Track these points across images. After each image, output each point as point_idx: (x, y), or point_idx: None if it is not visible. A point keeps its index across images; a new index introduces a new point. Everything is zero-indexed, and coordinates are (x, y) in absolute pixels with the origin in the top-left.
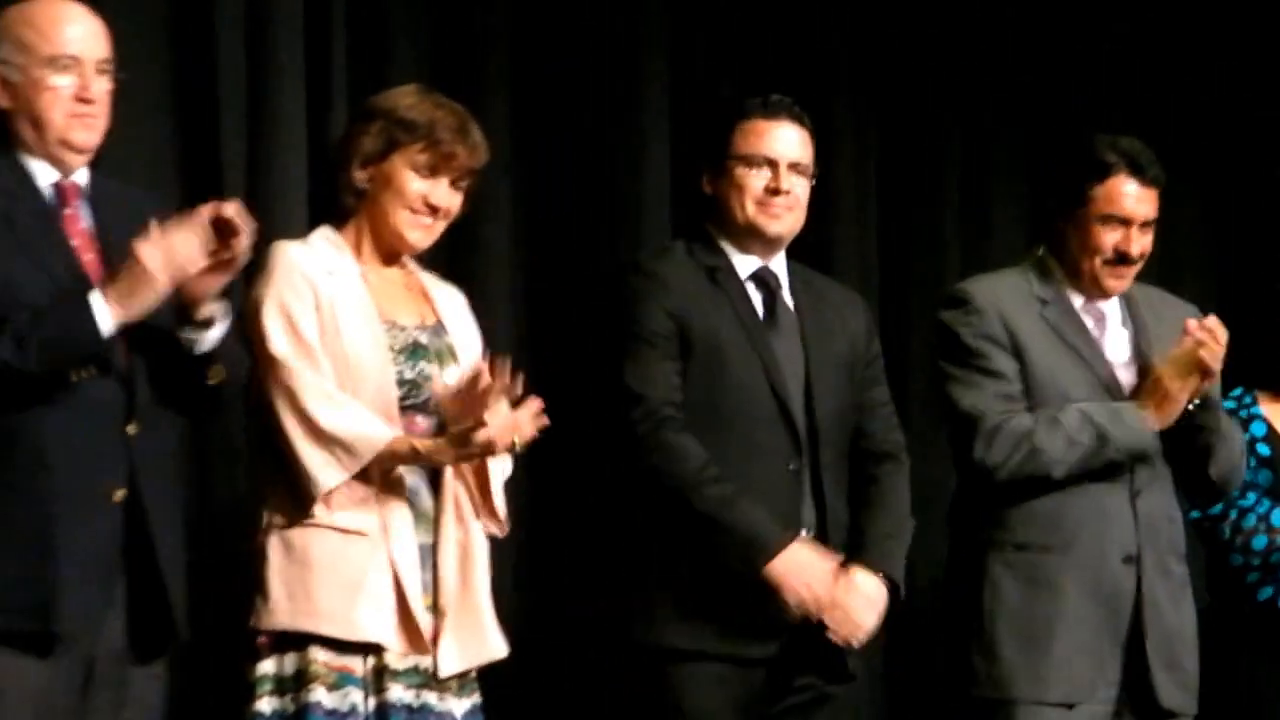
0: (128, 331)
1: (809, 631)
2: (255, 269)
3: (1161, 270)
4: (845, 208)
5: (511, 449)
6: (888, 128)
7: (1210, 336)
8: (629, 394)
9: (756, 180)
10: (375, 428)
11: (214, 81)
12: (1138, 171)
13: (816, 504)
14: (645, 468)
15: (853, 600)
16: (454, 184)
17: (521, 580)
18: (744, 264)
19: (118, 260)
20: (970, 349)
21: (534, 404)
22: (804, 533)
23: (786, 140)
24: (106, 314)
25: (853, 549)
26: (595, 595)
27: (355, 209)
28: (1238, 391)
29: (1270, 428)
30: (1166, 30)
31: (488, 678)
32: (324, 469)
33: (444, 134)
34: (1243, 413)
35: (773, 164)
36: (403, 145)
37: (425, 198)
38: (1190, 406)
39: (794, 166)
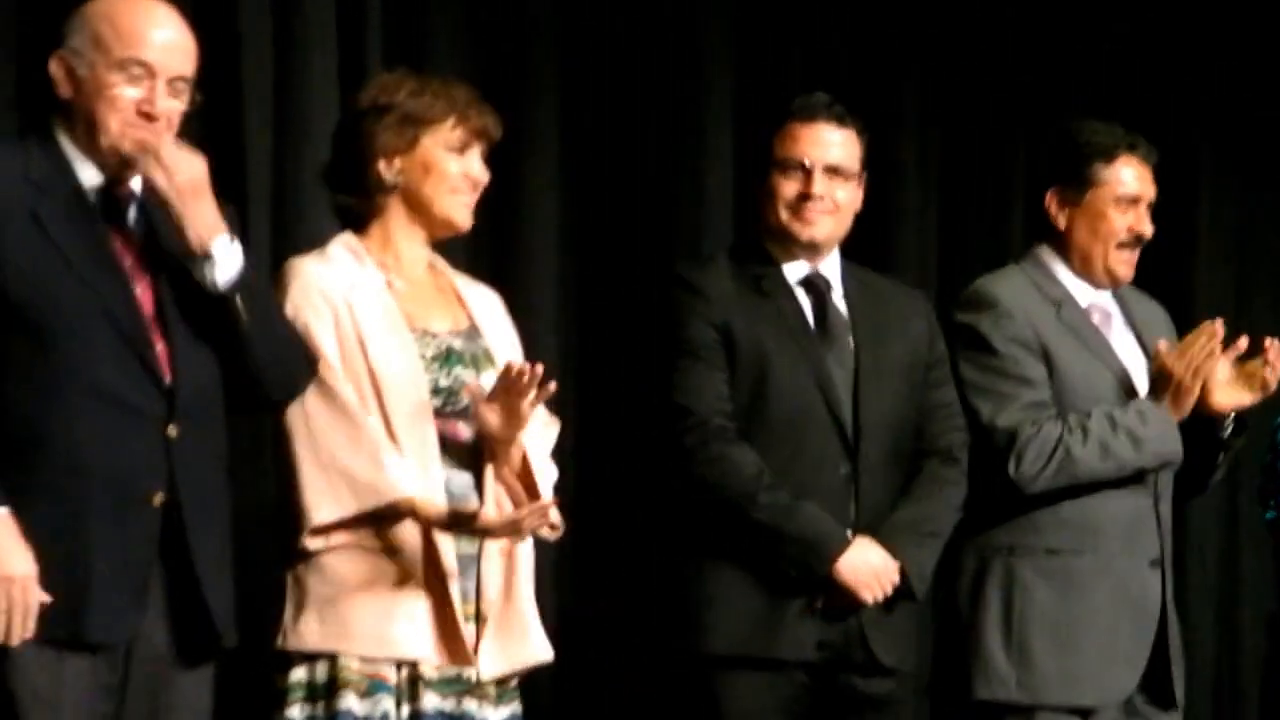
0: (165, 331)
1: (856, 632)
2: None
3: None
4: (908, 210)
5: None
6: (951, 127)
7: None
8: (677, 408)
9: (789, 186)
10: (388, 479)
11: (238, 75)
12: (1138, 150)
13: (857, 505)
14: (696, 480)
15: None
16: (483, 156)
17: (564, 588)
18: (792, 270)
19: (177, 268)
20: (1002, 354)
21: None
22: (848, 533)
23: (822, 143)
24: None
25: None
26: (640, 603)
27: (380, 208)
28: None
29: None
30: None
31: (529, 687)
32: (320, 501)
33: (469, 109)
34: None
35: (806, 169)
36: (431, 128)
37: (466, 174)
38: (1227, 430)
39: (831, 170)
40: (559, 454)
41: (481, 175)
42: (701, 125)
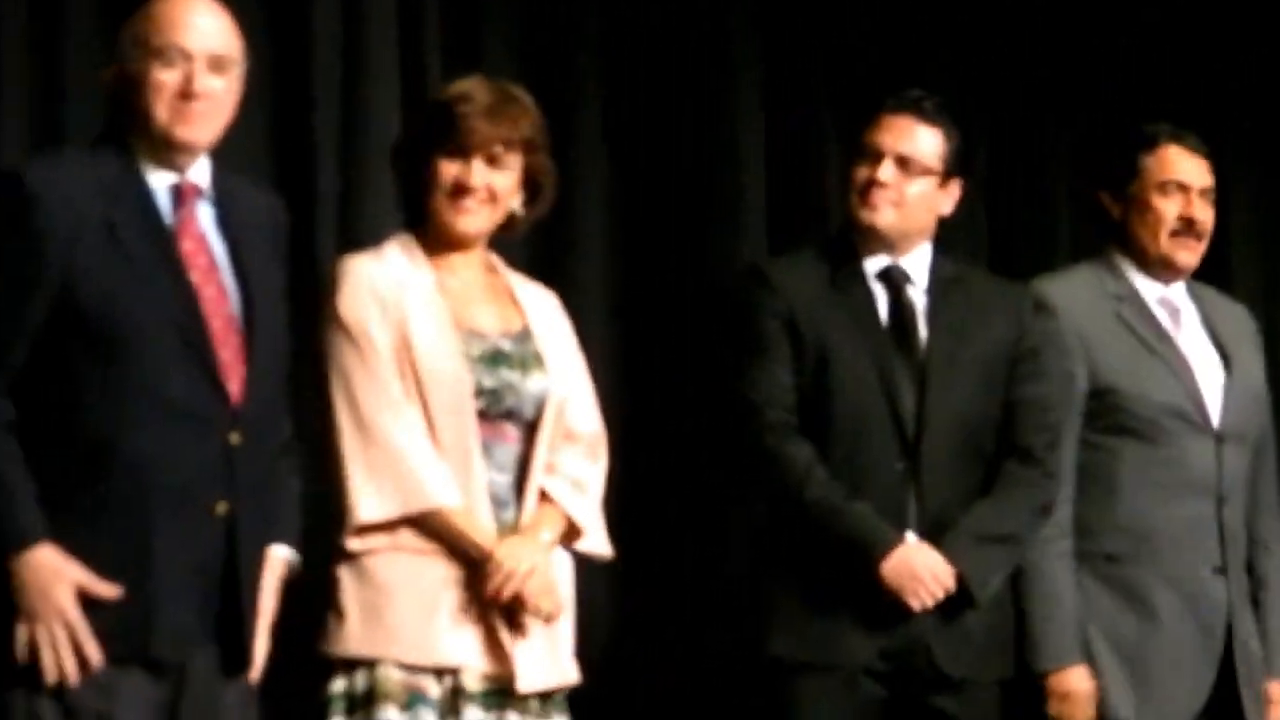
0: (236, 334)
1: (919, 639)
2: (329, 282)
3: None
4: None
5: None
6: (992, 130)
7: None
8: (739, 400)
9: (862, 172)
10: (434, 483)
11: (308, 80)
12: (1183, 139)
13: (919, 505)
14: (757, 475)
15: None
16: (490, 162)
17: (616, 591)
18: (872, 263)
19: (247, 276)
20: (1059, 372)
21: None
22: (909, 535)
23: (900, 133)
24: None
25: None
26: (708, 608)
27: (423, 206)
28: None
29: None
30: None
31: (581, 698)
32: (367, 500)
33: (464, 111)
34: None
35: (876, 155)
36: (436, 133)
37: (457, 180)
38: None
39: (902, 160)
40: (616, 455)
41: (480, 181)
42: (734, 132)
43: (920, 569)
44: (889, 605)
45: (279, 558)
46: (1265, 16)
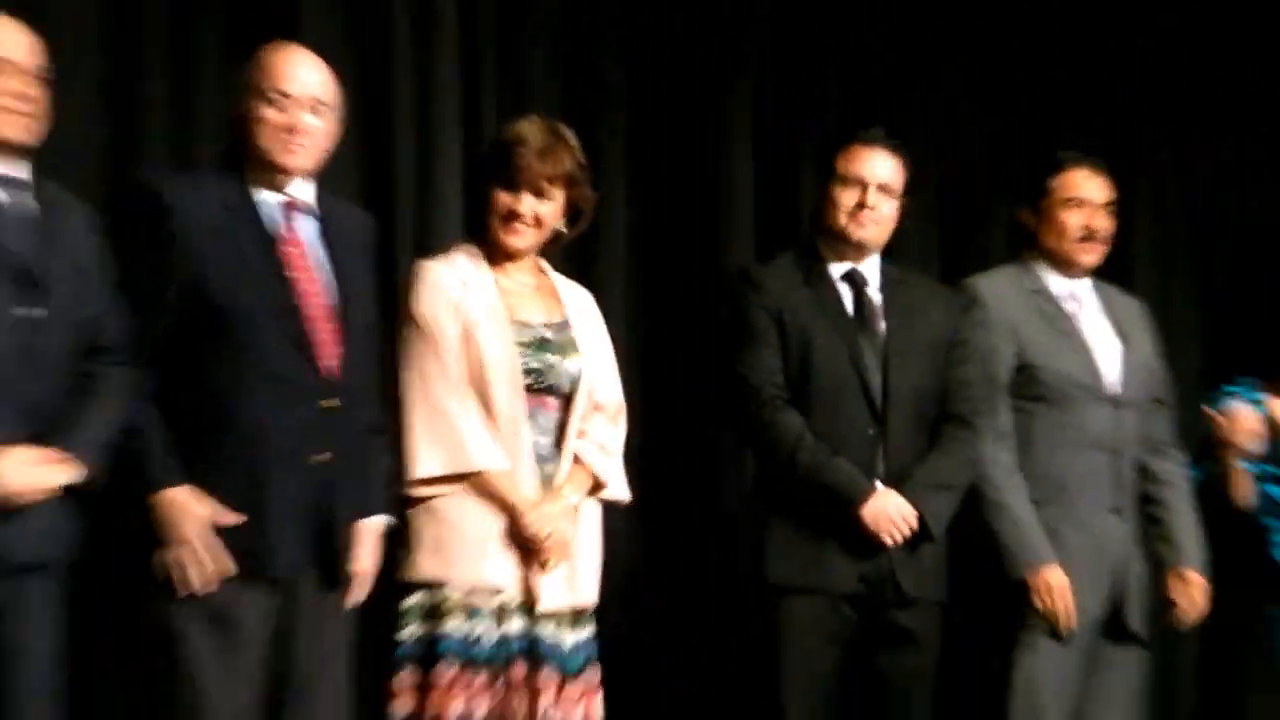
0: (332, 322)
1: (886, 568)
2: (406, 283)
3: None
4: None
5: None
6: (948, 157)
7: None
8: (739, 379)
9: (849, 196)
10: (479, 448)
11: (390, 119)
12: (1085, 162)
13: (886, 461)
14: (756, 440)
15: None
16: (538, 194)
17: (640, 536)
18: (836, 267)
19: (341, 275)
20: (986, 356)
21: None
22: (878, 484)
23: (876, 164)
24: None
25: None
26: (710, 544)
27: (483, 223)
28: (1240, 386)
29: (1273, 417)
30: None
31: (610, 615)
32: (424, 458)
33: (519, 151)
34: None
35: (863, 184)
36: (495, 167)
37: (510, 208)
38: None
39: (882, 187)
40: (634, 420)
41: (529, 210)
42: (730, 168)
43: (892, 512)
44: (865, 541)
45: (376, 525)
46: (1161, 52)
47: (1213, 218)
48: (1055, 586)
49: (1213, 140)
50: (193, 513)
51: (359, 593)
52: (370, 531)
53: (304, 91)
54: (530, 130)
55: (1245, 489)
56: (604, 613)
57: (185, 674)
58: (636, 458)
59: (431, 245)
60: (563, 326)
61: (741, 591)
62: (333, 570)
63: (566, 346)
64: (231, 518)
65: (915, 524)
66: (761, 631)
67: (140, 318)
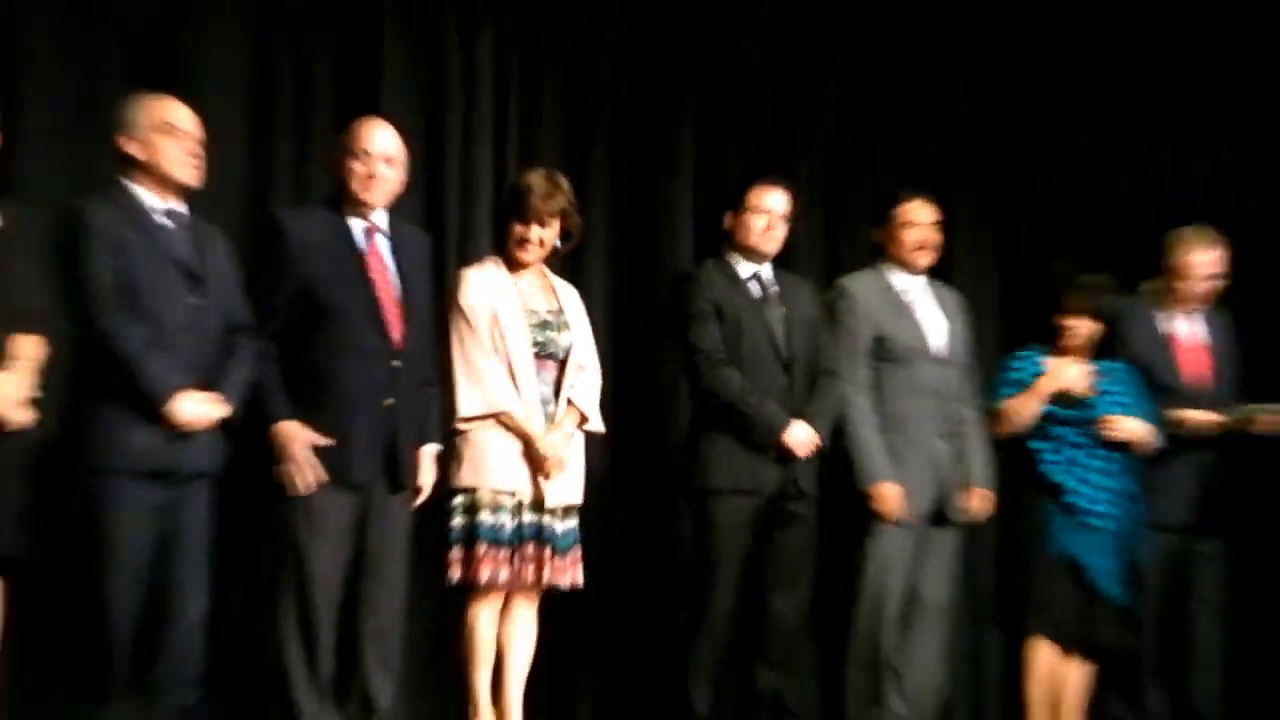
0: (398, 309)
1: (791, 475)
2: (453, 283)
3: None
4: (801, 239)
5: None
6: (835, 195)
7: None
8: (694, 347)
9: (759, 220)
10: (504, 397)
11: (442, 167)
12: (917, 195)
13: (792, 403)
14: (709, 387)
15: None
16: (541, 224)
17: (613, 455)
18: (745, 269)
19: (405, 276)
20: (852, 331)
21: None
22: (789, 418)
23: (777, 199)
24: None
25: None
26: (665, 457)
27: (512, 242)
28: (1029, 350)
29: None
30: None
31: (584, 513)
32: (465, 403)
33: (529, 195)
34: (1024, 365)
35: (769, 213)
36: (516, 207)
37: (522, 235)
38: None
39: (781, 216)
40: (610, 378)
41: (535, 236)
42: (674, 198)
43: (805, 436)
44: (784, 456)
45: (431, 450)
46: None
47: (1019, 223)
48: (886, 496)
49: (1213, 140)
50: (298, 438)
51: (421, 497)
52: (427, 454)
53: (380, 150)
54: (536, 179)
55: (1015, 422)
56: (584, 510)
57: (293, 548)
58: (609, 402)
59: (470, 257)
60: (558, 313)
61: (683, 493)
62: (396, 480)
63: (561, 326)
64: (324, 441)
65: (817, 443)
66: (698, 521)
67: (264, 307)
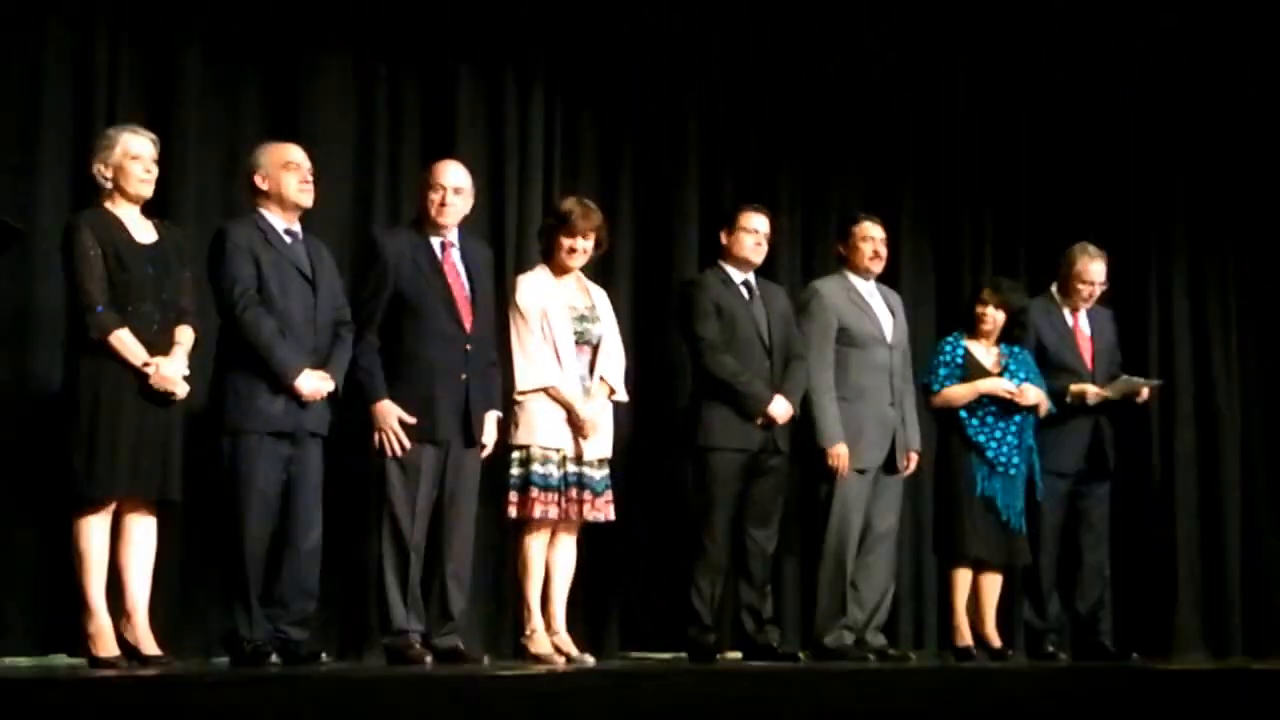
0: (469, 304)
1: (771, 436)
2: (512, 287)
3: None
4: (782, 251)
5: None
6: (807, 216)
7: None
8: (698, 336)
9: (750, 238)
10: (552, 374)
11: (502, 196)
12: (869, 217)
13: (773, 380)
14: (711, 369)
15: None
16: (584, 238)
17: (635, 423)
18: (737, 275)
19: (473, 280)
20: (823, 323)
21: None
22: (772, 393)
23: (763, 221)
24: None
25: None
26: (670, 422)
27: (554, 253)
28: (953, 335)
29: (968, 352)
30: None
31: (613, 464)
32: (523, 379)
33: (576, 218)
34: (952, 348)
35: (757, 232)
36: (564, 225)
37: (571, 246)
38: None
39: (766, 234)
40: (631, 360)
41: (582, 247)
42: (683, 217)
43: (785, 408)
44: (769, 422)
45: (493, 415)
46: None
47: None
48: (839, 455)
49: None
50: (391, 414)
51: (486, 452)
52: (490, 419)
53: (450, 183)
54: (574, 204)
55: (952, 404)
56: (613, 461)
57: (392, 490)
58: (631, 378)
59: (524, 265)
60: (591, 309)
61: (687, 450)
62: (470, 437)
63: (594, 319)
64: (410, 419)
65: (792, 412)
66: (699, 471)
67: (369, 307)
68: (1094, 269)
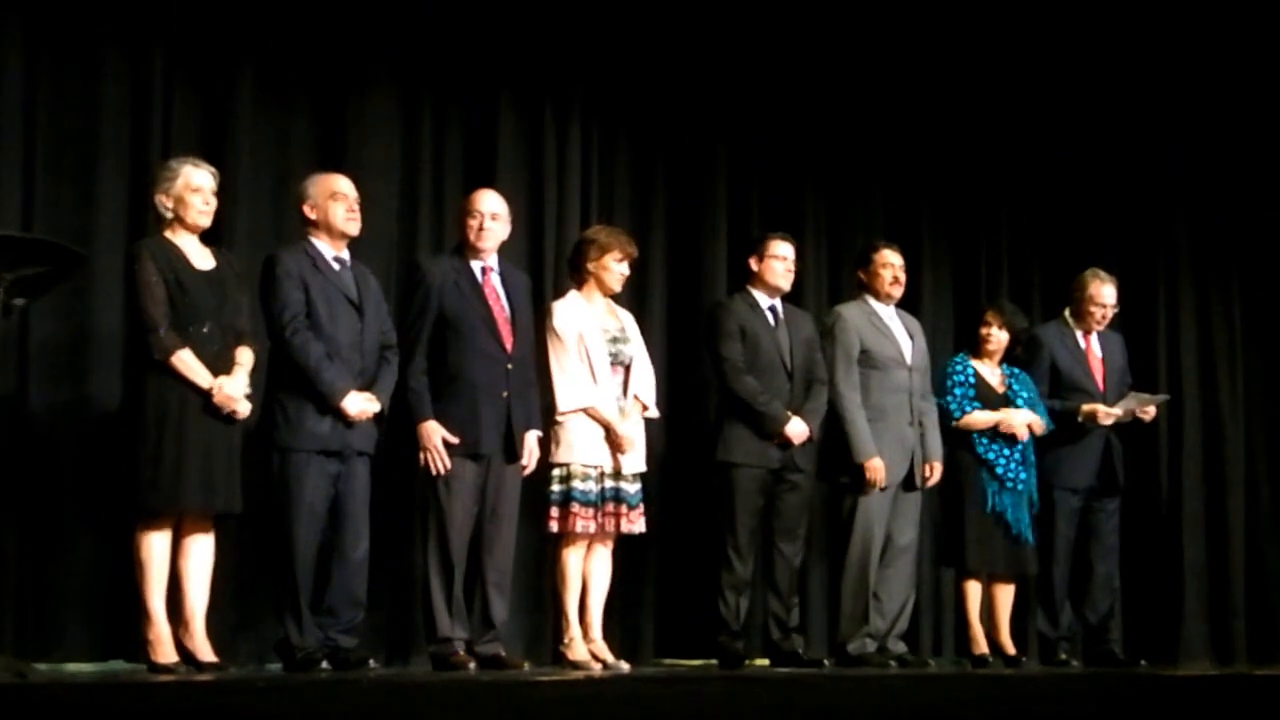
0: (508, 324)
1: (791, 455)
2: (548, 312)
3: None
4: (807, 277)
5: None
6: (832, 244)
7: None
8: (723, 357)
9: (779, 265)
10: (591, 395)
11: (542, 223)
12: (887, 245)
13: (793, 403)
14: (732, 389)
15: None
16: (627, 263)
17: (668, 440)
18: (764, 300)
19: (513, 303)
20: (846, 345)
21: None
22: (790, 414)
23: (790, 249)
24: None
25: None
26: (698, 439)
27: (586, 279)
28: (960, 355)
29: (976, 373)
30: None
31: (646, 478)
32: (564, 400)
33: (624, 245)
34: (963, 368)
35: (785, 259)
36: (608, 251)
37: (619, 273)
38: None
39: (793, 261)
40: (661, 383)
41: (625, 272)
42: (713, 243)
43: (801, 429)
44: (785, 442)
45: (534, 433)
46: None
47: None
48: (876, 467)
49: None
50: (436, 433)
51: (527, 470)
52: (531, 436)
53: (488, 209)
54: (615, 232)
55: (971, 428)
56: (646, 476)
57: (436, 504)
58: (663, 396)
59: (561, 291)
60: (622, 330)
61: (710, 465)
62: (511, 452)
63: (625, 340)
64: (454, 439)
65: (807, 434)
66: (723, 486)
67: (416, 331)
68: (1105, 292)
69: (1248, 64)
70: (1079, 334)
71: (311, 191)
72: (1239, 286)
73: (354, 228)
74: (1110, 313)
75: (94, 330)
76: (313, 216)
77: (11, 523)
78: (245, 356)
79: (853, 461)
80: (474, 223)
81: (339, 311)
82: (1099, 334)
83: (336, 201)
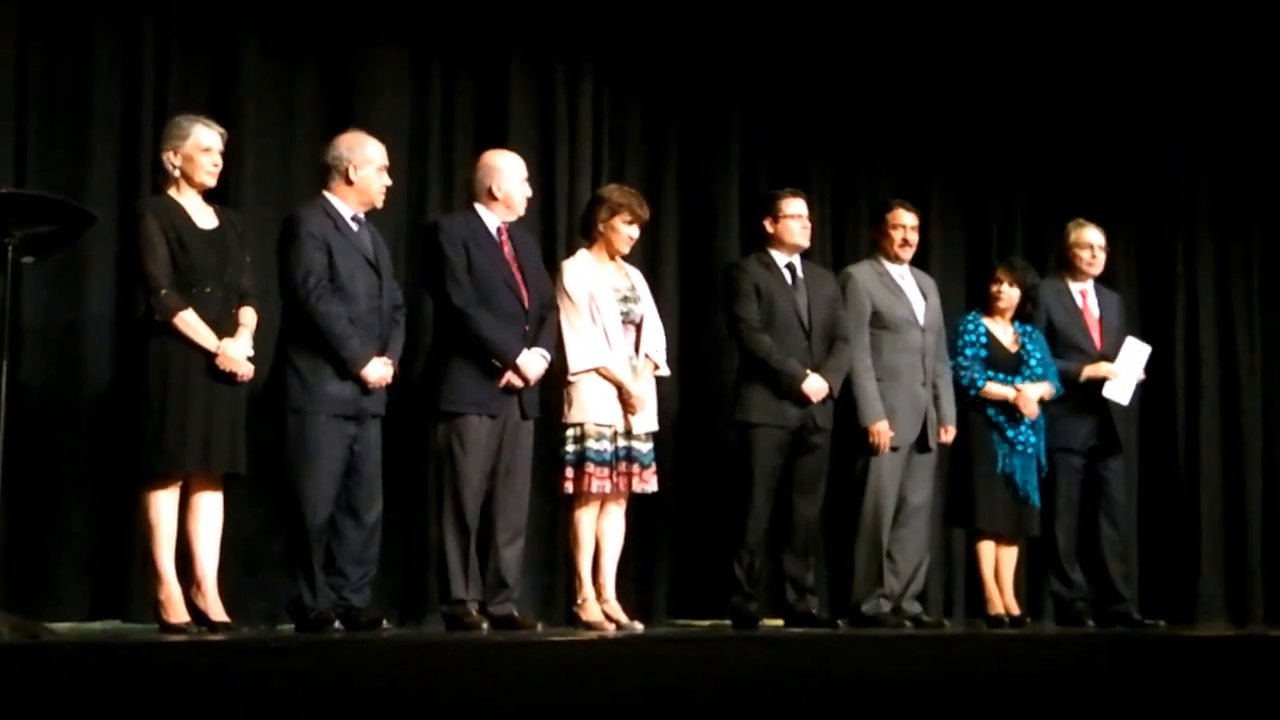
0: (524, 284)
1: (810, 414)
2: (560, 271)
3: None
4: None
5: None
6: (840, 204)
7: None
8: (740, 317)
9: (796, 223)
10: (604, 355)
11: (554, 188)
12: (902, 204)
13: (811, 359)
14: (749, 348)
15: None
16: (637, 226)
17: (682, 399)
18: (780, 259)
19: (524, 264)
20: (857, 307)
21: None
22: (808, 371)
23: (803, 206)
24: None
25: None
26: (713, 398)
27: (597, 238)
28: (971, 314)
29: (988, 332)
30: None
31: (658, 437)
32: (576, 360)
33: (635, 206)
34: (974, 327)
35: (802, 218)
36: (619, 212)
37: (629, 235)
38: None
39: (808, 218)
40: (673, 344)
41: (635, 234)
42: (726, 204)
43: (819, 385)
44: (804, 400)
45: (540, 351)
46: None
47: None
48: (881, 431)
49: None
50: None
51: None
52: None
53: (519, 174)
54: (628, 193)
55: (989, 396)
56: (658, 435)
57: (451, 464)
58: (675, 356)
59: (573, 250)
60: (632, 289)
61: (726, 424)
62: (524, 411)
63: (635, 299)
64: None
65: (826, 391)
66: (741, 445)
67: (455, 280)
68: (1088, 235)
69: (1273, 21)
70: (1075, 290)
71: (350, 154)
72: (1260, 244)
73: (381, 200)
74: (1099, 255)
75: (85, 293)
76: (353, 178)
77: (13, 485)
78: (249, 317)
79: (859, 424)
80: (519, 189)
81: (359, 272)
82: (1096, 292)
83: (380, 173)
